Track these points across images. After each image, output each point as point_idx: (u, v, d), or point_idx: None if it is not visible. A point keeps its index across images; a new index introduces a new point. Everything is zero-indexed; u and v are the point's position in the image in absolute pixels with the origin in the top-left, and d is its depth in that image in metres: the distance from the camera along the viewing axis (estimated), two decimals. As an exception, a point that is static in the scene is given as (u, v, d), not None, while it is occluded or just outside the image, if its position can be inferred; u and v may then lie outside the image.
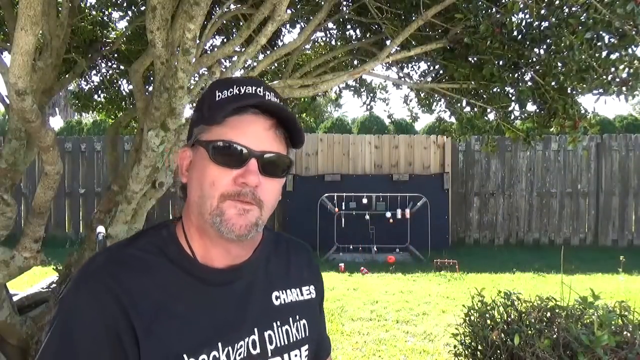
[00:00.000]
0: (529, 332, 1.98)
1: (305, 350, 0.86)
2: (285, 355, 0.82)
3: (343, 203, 7.45)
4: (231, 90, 0.76)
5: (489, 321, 2.19)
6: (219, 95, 0.76)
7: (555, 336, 1.89)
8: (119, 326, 0.69)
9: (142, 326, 0.69)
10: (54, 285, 2.85)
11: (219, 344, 0.74)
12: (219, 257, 0.79)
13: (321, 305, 0.98)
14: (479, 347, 2.19)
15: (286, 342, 0.82)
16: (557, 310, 2.06)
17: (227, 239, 0.74)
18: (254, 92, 0.76)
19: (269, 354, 0.80)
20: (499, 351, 2.03)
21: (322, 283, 0.98)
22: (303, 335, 0.86)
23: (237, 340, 0.76)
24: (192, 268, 0.77)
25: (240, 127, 0.74)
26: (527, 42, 2.35)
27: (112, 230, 2.16)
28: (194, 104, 0.83)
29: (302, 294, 0.90)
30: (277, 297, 0.85)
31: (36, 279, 4.93)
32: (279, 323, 0.83)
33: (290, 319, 0.85)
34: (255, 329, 0.79)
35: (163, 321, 0.71)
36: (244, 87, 0.76)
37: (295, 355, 0.83)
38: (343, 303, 4.83)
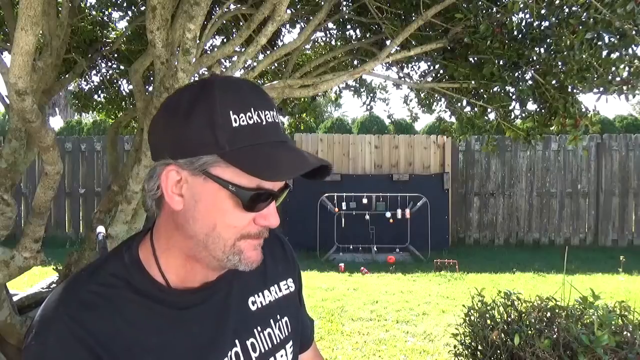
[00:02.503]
0: (529, 332, 1.98)
1: (290, 347, 0.85)
2: (271, 359, 0.81)
3: (343, 203, 7.45)
4: (250, 115, 0.67)
5: (489, 321, 2.19)
6: (235, 119, 0.66)
7: (555, 336, 1.89)
8: None
9: None
10: (54, 285, 2.85)
11: None
12: (199, 278, 0.76)
13: (300, 293, 0.96)
14: (479, 347, 2.19)
15: (270, 346, 0.81)
16: (557, 310, 2.06)
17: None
18: (272, 119, 0.70)
19: None
20: (499, 351, 2.03)
21: (299, 270, 0.96)
22: (286, 333, 0.85)
23: (220, 358, 0.74)
24: (161, 296, 0.72)
25: None
26: (528, 42, 2.35)
27: (112, 230, 2.16)
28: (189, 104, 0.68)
29: (280, 290, 0.88)
30: (253, 303, 0.82)
31: (36, 279, 4.93)
32: (259, 328, 0.81)
33: (271, 320, 0.83)
34: (237, 341, 0.77)
35: (138, 358, 0.68)
36: (262, 111, 0.69)
37: (282, 356, 0.83)
38: (343, 303, 4.83)
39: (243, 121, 0.66)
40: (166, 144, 0.69)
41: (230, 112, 0.66)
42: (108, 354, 0.66)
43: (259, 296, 0.84)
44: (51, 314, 0.68)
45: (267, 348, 0.80)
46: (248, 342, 0.78)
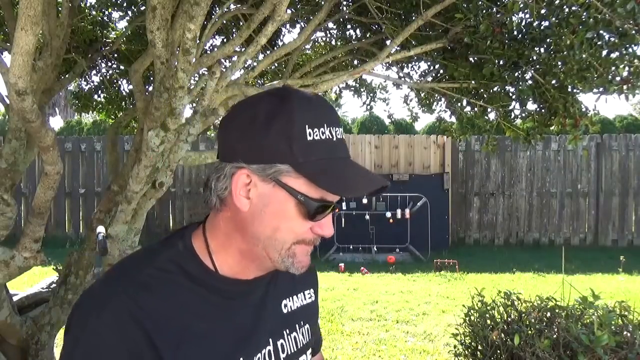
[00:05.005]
0: (529, 332, 1.99)
1: (310, 354, 0.89)
2: None
3: (343, 203, 7.44)
4: (322, 130, 0.72)
5: (489, 321, 2.19)
6: (309, 133, 0.70)
7: (555, 336, 1.89)
8: (143, 352, 0.68)
9: (167, 351, 0.69)
10: (54, 285, 2.84)
11: (241, 359, 0.75)
12: (252, 274, 0.80)
13: (316, 302, 0.99)
14: (479, 347, 2.19)
15: (295, 349, 0.84)
16: (557, 310, 2.06)
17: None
18: (341, 135, 0.75)
19: None
20: (499, 351, 2.03)
21: (317, 281, 1.00)
22: (307, 340, 0.88)
23: (255, 353, 0.77)
24: (213, 283, 0.76)
25: None
26: (528, 42, 2.35)
27: (112, 230, 2.16)
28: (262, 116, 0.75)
29: (305, 298, 0.92)
30: (285, 305, 0.87)
31: (36, 279, 4.93)
32: (288, 331, 0.85)
33: (297, 325, 0.87)
34: (270, 339, 0.81)
35: (188, 342, 0.71)
36: (333, 128, 0.73)
37: None
38: (343, 303, 4.83)
39: (317, 136, 0.71)
40: (241, 149, 0.73)
41: (306, 127, 0.70)
42: (160, 336, 0.69)
43: (290, 300, 0.88)
44: (108, 292, 0.70)
45: (293, 351, 0.84)
46: (279, 343, 0.82)
